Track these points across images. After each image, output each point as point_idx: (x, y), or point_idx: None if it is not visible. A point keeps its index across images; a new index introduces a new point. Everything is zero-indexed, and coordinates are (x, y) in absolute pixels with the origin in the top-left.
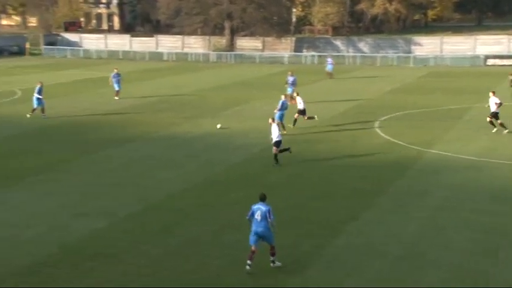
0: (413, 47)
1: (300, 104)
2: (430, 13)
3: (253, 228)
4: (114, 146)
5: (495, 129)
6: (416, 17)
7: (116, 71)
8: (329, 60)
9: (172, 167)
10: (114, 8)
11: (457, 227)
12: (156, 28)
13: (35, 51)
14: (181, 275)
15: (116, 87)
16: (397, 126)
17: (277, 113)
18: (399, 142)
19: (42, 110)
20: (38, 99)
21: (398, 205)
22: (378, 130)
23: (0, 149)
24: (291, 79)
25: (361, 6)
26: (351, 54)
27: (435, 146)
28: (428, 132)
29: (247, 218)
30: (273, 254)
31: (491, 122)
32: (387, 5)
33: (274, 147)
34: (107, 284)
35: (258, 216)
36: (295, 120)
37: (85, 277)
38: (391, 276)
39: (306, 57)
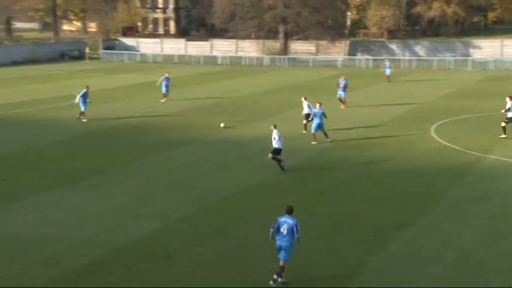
0: (471, 50)
1: (305, 109)
2: (490, 15)
3: (278, 242)
4: (170, 149)
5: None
6: (476, 19)
7: (166, 74)
8: (387, 63)
9: (226, 169)
10: (170, 13)
11: None
12: (211, 32)
13: (94, 56)
14: (233, 276)
15: (164, 90)
16: (454, 131)
17: (314, 124)
18: (456, 147)
19: (82, 114)
20: (85, 102)
21: (455, 212)
22: (433, 135)
23: (59, 151)
24: (342, 82)
25: (418, 9)
26: (407, 57)
27: (494, 151)
28: (487, 137)
29: (271, 230)
30: (279, 273)
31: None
32: (445, 7)
33: (270, 154)
34: (159, 285)
35: (284, 229)
36: (305, 125)
37: (138, 278)
38: (446, 283)
39: (360, 60)
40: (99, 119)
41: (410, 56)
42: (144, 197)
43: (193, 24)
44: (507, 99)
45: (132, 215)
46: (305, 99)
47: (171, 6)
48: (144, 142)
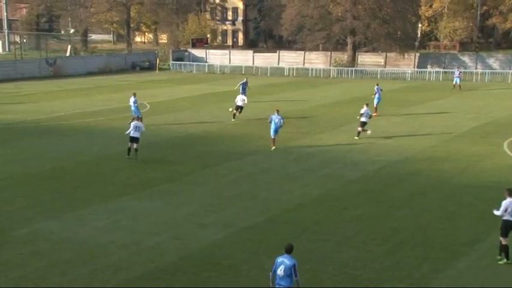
0: None
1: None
2: None
3: (277, 284)
4: (234, 159)
5: None
6: None
7: (245, 79)
8: (456, 72)
9: (290, 181)
10: (239, 25)
11: None
12: (279, 44)
13: (164, 67)
14: None
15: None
16: None
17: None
18: None
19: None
20: (136, 107)
21: None
22: (506, 150)
23: (129, 160)
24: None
25: (493, 20)
26: (480, 70)
27: None
28: None
29: (270, 274)
30: None
31: None
32: None
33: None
34: None
35: (280, 271)
36: None
37: (202, 286)
38: None
39: (430, 73)
40: (167, 128)
41: (483, 69)
42: (210, 206)
43: (261, 36)
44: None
45: (198, 223)
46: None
47: (240, 18)
48: (209, 151)
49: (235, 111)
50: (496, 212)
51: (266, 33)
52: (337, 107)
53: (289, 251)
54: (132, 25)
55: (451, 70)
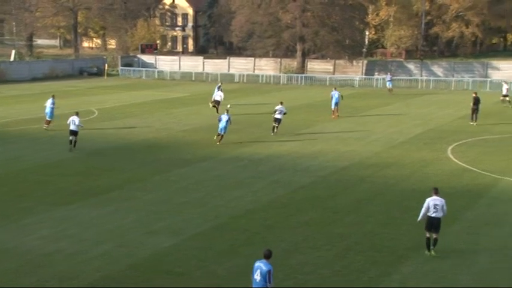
0: (490, 71)
1: (279, 114)
2: (510, 37)
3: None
4: (184, 166)
5: None
6: (495, 40)
7: (219, 84)
8: (388, 77)
9: (240, 187)
10: (189, 31)
11: None
12: (229, 50)
13: (113, 73)
14: None
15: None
16: (471, 152)
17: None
18: (473, 169)
19: (48, 122)
20: (52, 110)
21: (470, 234)
22: (450, 156)
23: (75, 166)
24: (336, 94)
25: (436, 29)
26: (425, 77)
27: (511, 173)
28: (504, 159)
29: (251, 277)
30: None
31: None
32: (463, 28)
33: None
34: None
35: (257, 275)
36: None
37: None
38: None
39: (377, 80)
40: (116, 134)
41: (428, 76)
42: (160, 213)
43: (211, 42)
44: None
45: (147, 230)
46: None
47: (190, 24)
48: (159, 158)
49: (215, 105)
50: (421, 214)
51: (216, 39)
52: (287, 113)
53: (267, 256)
54: (79, 30)
55: (397, 77)
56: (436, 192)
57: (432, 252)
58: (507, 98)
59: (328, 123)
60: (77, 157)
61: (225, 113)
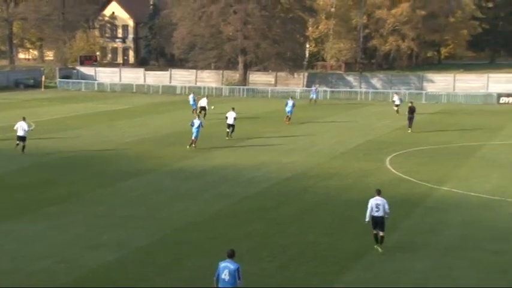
0: (425, 84)
1: (230, 119)
2: (443, 50)
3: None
4: (128, 179)
5: None
6: (429, 54)
7: (192, 95)
8: (313, 89)
9: (183, 200)
10: (129, 43)
11: (465, 267)
12: (170, 62)
13: (50, 84)
14: None
15: (193, 106)
16: (408, 163)
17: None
18: (410, 178)
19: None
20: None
21: (408, 242)
22: (388, 166)
23: (15, 180)
24: (290, 103)
25: (374, 42)
26: (364, 89)
27: (446, 183)
28: (440, 169)
29: (214, 278)
30: None
31: None
32: (399, 42)
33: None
34: None
35: (225, 275)
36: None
37: None
38: None
39: (318, 92)
40: (56, 148)
41: (366, 89)
42: (101, 227)
43: (152, 54)
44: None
45: (88, 245)
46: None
47: (131, 36)
48: (101, 172)
49: (202, 110)
50: (367, 215)
51: (158, 51)
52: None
53: (231, 255)
54: (15, 41)
55: (337, 89)
56: (379, 193)
57: (379, 249)
58: (396, 108)
59: (272, 135)
60: (15, 171)
61: (197, 118)
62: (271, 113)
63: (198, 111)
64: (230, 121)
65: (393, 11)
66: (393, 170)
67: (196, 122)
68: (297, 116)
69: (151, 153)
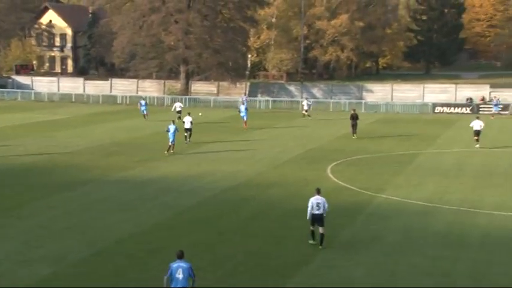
0: (364, 94)
1: (187, 124)
2: (381, 61)
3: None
4: (66, 190)
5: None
6: (368, 64)
7: (142, 102)
8: (243, 98)
9: (124, 210)
10: (67, 52)
11: (406, 272)
12: (111, 71)
13: None
14: None
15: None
16: (349, 171)
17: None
18: (350, 187)
19: None
20: None
21: (349, 250)
22: (330, 175)
23: None
24: (242, 108)
25: (314, 53)
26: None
27: (385, 191)
28: (379, 177)
29: (165, 277)
30: None
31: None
32: (339, 52)
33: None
34: None
35: (179, 274)
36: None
37: None
38: None
39: (260, 102)
40: None
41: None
42: (37, 241)
43: (92, 63)
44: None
45: (22, 260)
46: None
47: (69, 44)
48: (38, 183)
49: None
50: (308, 213)
51: (97, 60)
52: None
53: (181, 256)
54: None
55: (278, 99)
56: (319, 192)
57: (319, 247)
58: (307, 113)
59: (214, 144)
60: None
61: (172, 123)
62: (214, 122)
63: (178, 118)
64: (187, 125)
65: (333, 22)
66: (334, 179)
67: (172, 128)
68: (239, 126)
69: (92, 164)
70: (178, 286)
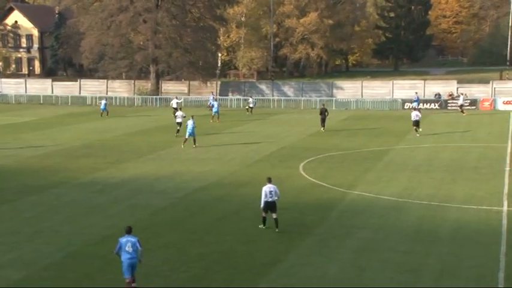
0: (335, 91)
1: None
2: (351, 58)
3: (125, 260)
4: (35, 193)
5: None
6: (338, 62)
7: (103, 101)
8: (211, 97)
9: (96, 213)
10: (34, 52)
11: (377, 268)
12: (79, 72)
13: None
14: None
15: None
16: (321, 168)
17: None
18: (323, 184)
19: None
20: None
21: (322, 247)
22: (302, 172)
23: None
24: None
25: (284, 51)
26: (276, 97)
27: (357, 187)
28: (351, 173)
29: (115, 252)
30: (133, 281)
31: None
32: (309, 50)
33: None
34: None
35: (129, 248)
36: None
37: None
38: None
39: (231, 100)
40: None
41: (279, 96)
42: (6, 245)
43: (60, 64)
44: None
45: None
46: None
47: (36, 45)
48: (6, 187)
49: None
50: (262, 200)
51: (66, 61)
52: (143, 135)
53: (129, 231)
54: None
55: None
56: (270, 181)
57: (276, 230)
58: (251, 110)
59: (185, 144)
60: None
61: (191, 118)
62: (184, 122)
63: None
64: (179, 120)
65: (302, 20)
66: (307, 176)
67: (190, 122)
68: (210, 124)
69: (61, 166)
70: (129, 257)
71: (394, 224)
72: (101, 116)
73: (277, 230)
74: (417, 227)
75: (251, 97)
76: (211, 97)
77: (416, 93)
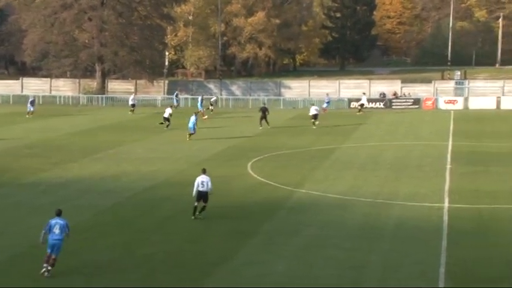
0: (283, 90)
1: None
2: (298, 58)
3: (50, 240)
4: None
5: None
6: (286, 61)
7: (32, 98)
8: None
9: (40, 214)
10: None
11: (324, 265)
12: (22, 71)
13: None
14: None
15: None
16: (269, 167)
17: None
18: (270, 182)
19: None
20: None
21: (270, 245)
22: (250, 171)
23: None
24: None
25: (232, 50)
26: (224, 97)
27: (304, 185)
28: (298, 172)
29: (43, 232)
30: (53, 265)
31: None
32: (257, 49)
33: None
34: None
35: (56, 229)
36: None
37: None
38: None
39: (179, 99)
40: None
41: (227, 95)
42: None
43: (1, 62)
44: None
45: None
46: None
47: None
48: None
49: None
50: (194, 190)
51: (7, 59)
52: (88, 135)
53: (59, 214)
54: None
55: (198, 97)
56: (204, 172)
57: (200, 217)
58: (211, 107)
59: (133, 144)
60: None
61: (193, 115)
62: (132, 121)
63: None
64: (166, 115)
65: (250, 20)
66: (254, 175)
67: (192, 118)
68: (158, 124)
69: (4, 167)
70: (54, 238)
71: (340, 221)
72: (27, 115)
73: (200, 216)
74: (362, 224)
75: (214, 96)
76: (175, 96)
77: (327, 94)
